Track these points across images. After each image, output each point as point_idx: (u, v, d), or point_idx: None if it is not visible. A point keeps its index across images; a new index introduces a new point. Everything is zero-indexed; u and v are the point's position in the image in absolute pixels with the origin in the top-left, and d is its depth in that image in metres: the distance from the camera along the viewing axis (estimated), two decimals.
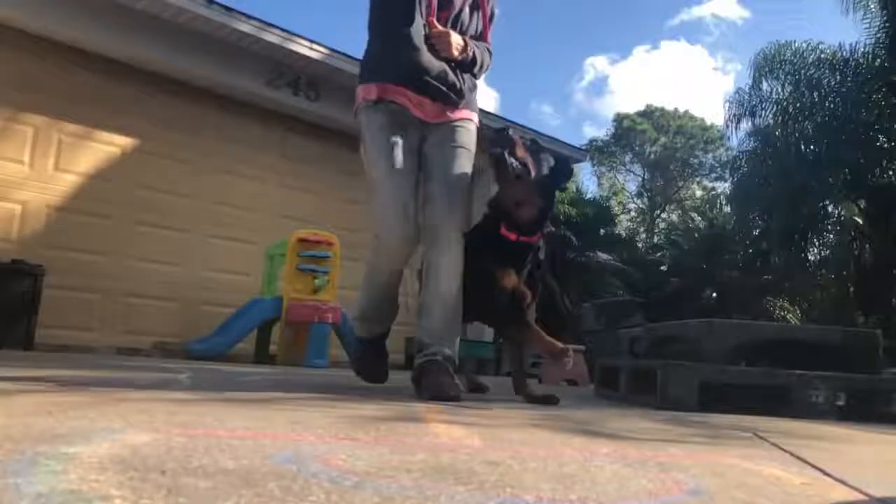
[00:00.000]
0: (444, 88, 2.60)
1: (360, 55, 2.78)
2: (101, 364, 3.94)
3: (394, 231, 2.47)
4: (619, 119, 31.26)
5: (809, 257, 12.20)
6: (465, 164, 2.65)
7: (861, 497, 0.99)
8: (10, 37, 5.88)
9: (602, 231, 14.48)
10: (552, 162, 2.69)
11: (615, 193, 30.15)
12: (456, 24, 2.64)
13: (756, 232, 12.75)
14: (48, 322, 5.55)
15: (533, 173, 2.57)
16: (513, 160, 2.53)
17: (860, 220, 10.99)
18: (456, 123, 2.68)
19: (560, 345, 2.60)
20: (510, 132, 2.58)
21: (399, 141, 2.49)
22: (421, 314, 2.55)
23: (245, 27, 6.60)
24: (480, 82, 2.85)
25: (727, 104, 12.25)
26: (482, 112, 3.07)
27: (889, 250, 10.05)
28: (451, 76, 2.61)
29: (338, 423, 1.45)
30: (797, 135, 11.06)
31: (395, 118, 2.55)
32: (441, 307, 2.51)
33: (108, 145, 6.46)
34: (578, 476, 0.99)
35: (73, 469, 0.80)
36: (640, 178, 31.14)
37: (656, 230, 27.01)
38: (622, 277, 13.68)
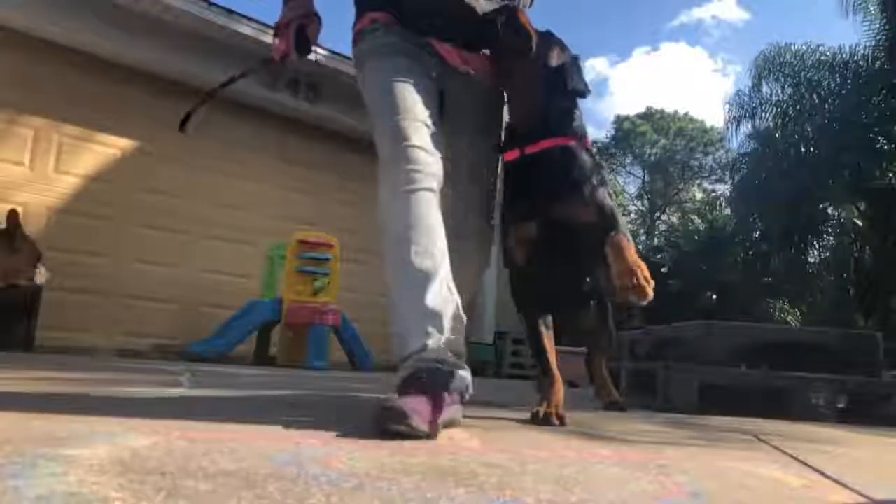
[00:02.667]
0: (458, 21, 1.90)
1: None
2: (101, 366, 3.94)
3: (401, 140, 1.70)
4: (619, 121, 31.31)
5: (809, 259, 12.23)
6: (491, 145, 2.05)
7: (861, 499, 0.99)
8: (11, 38, 5.88)
9: None
10: (570, 57, 1.96)
11: (615, 195, 30.17)
12: None
13: (756, 234, 12.77)
14: (48, 324, 5.54)
15: (534, 47, 1.88)
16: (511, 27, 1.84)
17: (860, 223, 11.02)
18: (494, 91, 2.03)
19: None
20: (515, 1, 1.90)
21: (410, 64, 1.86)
22: None
23: (245, 29, 6.60)
24: None
25: (727, 106, 12.32)
26: None
27: (889, 252, 10.06)
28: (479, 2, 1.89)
29: (338, 424, 1.45)
30: (797, 137, 11.09)
31: (407, 44, 1.89)
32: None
33: (109, 147, 6.46)
34: (578, 478, 0.99)
35: (73, 471, 0.80)
36: (640, 180, 31.17)
37: (656, 232, 27.05)
38: None
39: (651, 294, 1.64)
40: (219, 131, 7.09)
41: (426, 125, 1.76)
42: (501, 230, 1.99)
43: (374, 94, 1.85)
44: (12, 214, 3.39)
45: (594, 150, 1.99)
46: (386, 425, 1.28)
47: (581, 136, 1.93)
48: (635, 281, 1.64)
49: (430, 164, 1.70)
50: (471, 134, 1.97)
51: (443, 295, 1.60)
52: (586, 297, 2.22)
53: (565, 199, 1.85)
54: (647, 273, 1.67)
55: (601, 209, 1.84)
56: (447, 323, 1.58)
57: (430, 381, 1.46)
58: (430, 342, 1.53)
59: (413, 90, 1.80)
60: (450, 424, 1.47)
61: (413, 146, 1.69)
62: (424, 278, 1.60)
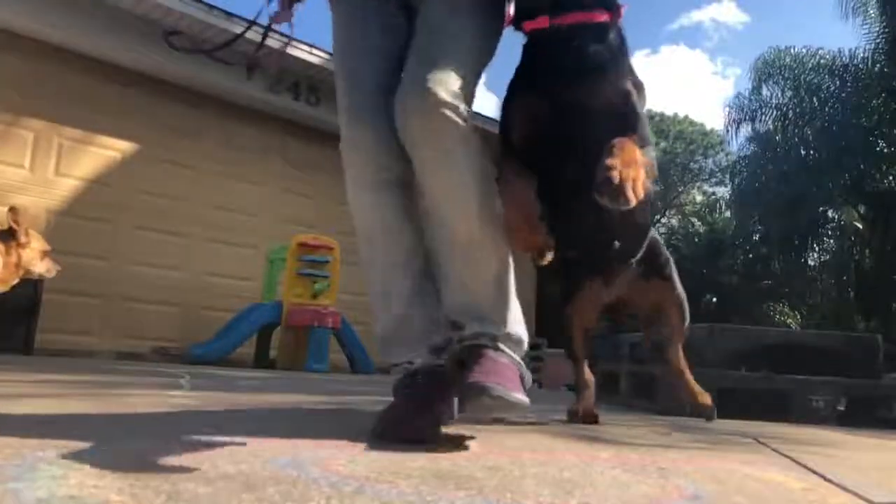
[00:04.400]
0: None
1: None
2: (101, 369, 3.94)
3: (354, 120, 1.60)
4: None
5: (809, 262, 12.25)
6: (463, 20, 1.55)
7: (861, 503, 0.99)
8: (12, 41, 5.89)
9: None
10: None
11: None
12: None
13: (756, 237, 12.79)
14: (48, 326, 5.54)
15: None
16: None
17: (860, 225, 11.03)
18: None
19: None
20: None
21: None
22: (439, 279, 1.53)
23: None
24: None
25: (727, 109, 12.32)
26: (476, 115, 1.78)
27: (888, 255, 10.07)
28: None
29: (338, 427, 1.44)
30: (797, 140, 11.11)
31: None
32: (462, 260, 1.47)
33: (109, 150, 6.47)
34: (579, 481, 0.99)
35: (73, 474, 0.80)
36: None
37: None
38: None
39: (630, 198, 1.30)
40: (219, 134, 7.11)
41: (382, 87, 1.55)
42: (502, 111, 1.61)
43: (334, 53, 1.71)
44: (14, 211, 3.44)
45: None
46: (385, 435, 1.28)
47: (613, 9, 1.58)
48: (616, 176, 1.30)
49: (392, 143, 1.51)
50: (430, 17, 1.56)
51: (420, 295, 1.51)
52: (608, 240, 1.80)
53: (586, 80, 1.54)
54: (637, 178, 1.34)
55: (625, 97, 1.58)
56: (429, 325, 1.50)
57: (423, 386, 1.43)
58: (416, 351, 1.48)
59: (370, 46, 1.60)
60: (448, 427, 1.47)
61: (370, 128, 1.54)
62: (399, 282, 1.51)
